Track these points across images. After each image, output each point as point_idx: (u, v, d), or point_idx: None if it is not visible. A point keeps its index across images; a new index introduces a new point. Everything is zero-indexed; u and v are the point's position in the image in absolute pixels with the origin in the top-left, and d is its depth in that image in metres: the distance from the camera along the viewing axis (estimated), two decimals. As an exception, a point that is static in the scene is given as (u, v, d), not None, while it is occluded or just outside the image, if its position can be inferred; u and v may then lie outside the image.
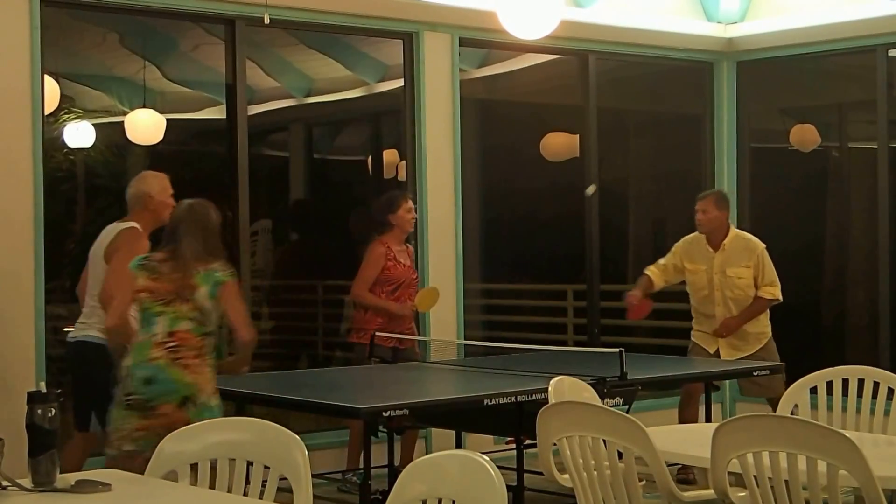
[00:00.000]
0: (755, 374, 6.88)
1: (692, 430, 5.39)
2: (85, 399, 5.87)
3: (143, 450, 4.72)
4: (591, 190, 7.93)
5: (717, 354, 7.46)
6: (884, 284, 8.51)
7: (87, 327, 5.88)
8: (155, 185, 6.00)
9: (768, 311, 7.50)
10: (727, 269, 7.42)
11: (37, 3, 6.47)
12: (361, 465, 5.87)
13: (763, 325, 7.51)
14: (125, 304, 5.20)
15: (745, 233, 7.70)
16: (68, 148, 8.28)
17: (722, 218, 7.48)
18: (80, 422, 5.88)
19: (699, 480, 6.39)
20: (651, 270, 7.64)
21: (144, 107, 8.43)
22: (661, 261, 7.67)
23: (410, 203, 7.34)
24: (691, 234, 7.60)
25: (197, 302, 5.07)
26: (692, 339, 7.65)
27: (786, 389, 5.21)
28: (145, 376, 4.98)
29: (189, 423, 3.98)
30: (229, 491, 3.31)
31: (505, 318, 9.95)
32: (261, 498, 3.23)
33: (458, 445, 7.10)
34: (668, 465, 4.17)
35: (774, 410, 5.65)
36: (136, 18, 7.40)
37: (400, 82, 8.01)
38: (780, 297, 7.46)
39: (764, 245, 7.47)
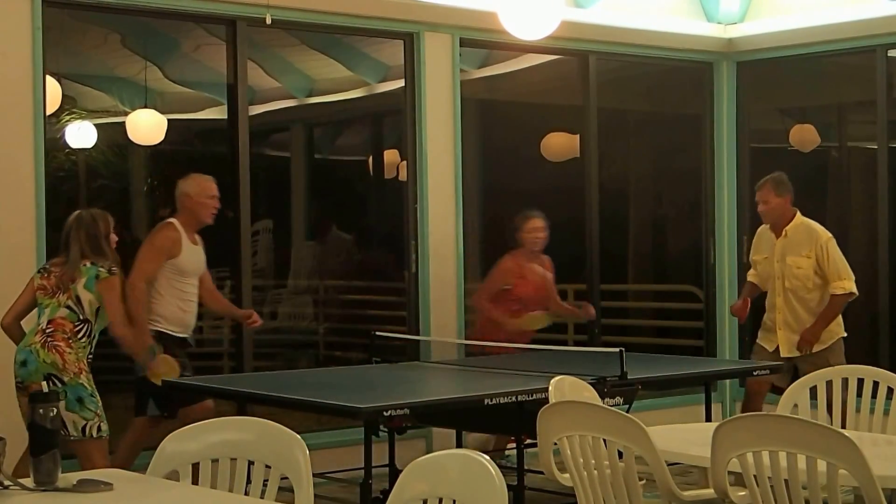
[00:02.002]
0: (755, 373, 6.87)
1: (692, 430, 5.40)
2: (142, 386, 6.28)
3: None
4: None
5: (776, 352, 7.13)
6: (883, 284, 8.51)
7: None
8: (194, 186, 6.50)
9: (841, 320, 7.12)
10: (787, 256, 7.10)
11: (38, 4, 6.48)
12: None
13: (831, 324, 7.09)
14: (19, 306, 5.91)
15: (812, 221, 7.21)
16: (70, 148, 8.29)
17: (784, 203, 7.12)
18: (138, 407, 6.33)
19: (699, 480, 6.40)
20: (750, 274, 7.45)
21: (146, 107, 8.44)
22: (752, 267, 7.46)
23: (535, 223, 7.55)
24: (762, 226, 7.37)
25: (75, 291, 5.73)
26: (757, 341, 7.37)
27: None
28: (21, 359, 5.71)
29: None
30: (230, 490, 3.32)
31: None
32: (262, 497, 3.24)
33: (459, 445, 7.11)
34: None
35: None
36: (137, 19, 7.41)
37: (401, 83, 8.02)
38: (855, 291, 7.05)
39: (830, 235, 7.10)
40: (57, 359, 5.65)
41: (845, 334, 7.17)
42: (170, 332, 6.38)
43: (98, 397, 5.73)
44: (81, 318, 5.74)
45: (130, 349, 5.94)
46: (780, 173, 7.22)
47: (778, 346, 7.15)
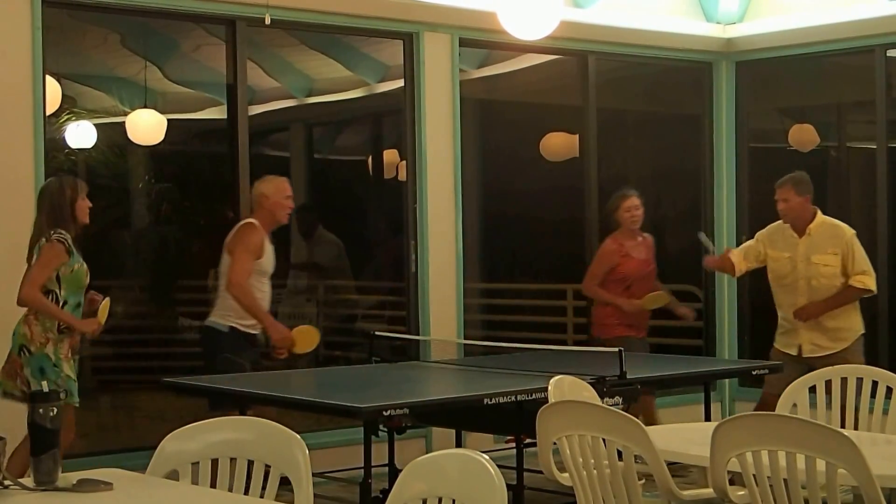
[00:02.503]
0: (755, 373, 6.87)
1: (692, 429, 5.40)
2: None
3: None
4: (706, 243, 7.82)
5: (799, 355, 6.97)
6: (883, 284, 8.49)
7: (213, 314, 6.63)
8: (270, 187, 6.69)
9: (857, 306, 7.05)
10: (812, 256, 6.96)
11: (38, 4, 6.48)
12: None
13: (851, 322, 7.02)
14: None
15: (833, 218, 7.13)
16: (70, 148, 8.29)
17: (805, 203, 7.00)
18: (211, 401, 6.25)
19: (698, 479, 6.40)
20: (734, 253, 7.36)
21: (145, 107, 8.44)
22: (743, 245, 7.41)
23: (632, 201, 7.72)
24: (776, 222, 7.20)
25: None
26: (774, 345, 7.19)
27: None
28: (12, 332, 5.83)
29: (22, 369, 5.65)
30: (230, 490, 3.33)
31: (505, 318, 9.96)
32: (261, 497, 3.25)
33: (459, 444, 7.11)
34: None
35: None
36: (137, 19, 7.41)
37: (400, 82, 8.02)
38: (873, 288, 6.97)
39: (854, 231, 7.02)
40: (26, 331, 5.75)
41: (863, 330, 7.09)
42: (241, 328, 6.55)
43: (63, 367, 5.74)
44: (46, 289, 5.76)
45: (47, 313, 5.83)
46: (801, 172, 7.12)
47: (801, 349, 7.01)
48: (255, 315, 6.47)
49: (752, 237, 7.57)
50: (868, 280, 6.93)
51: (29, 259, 5.84)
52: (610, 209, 7.85)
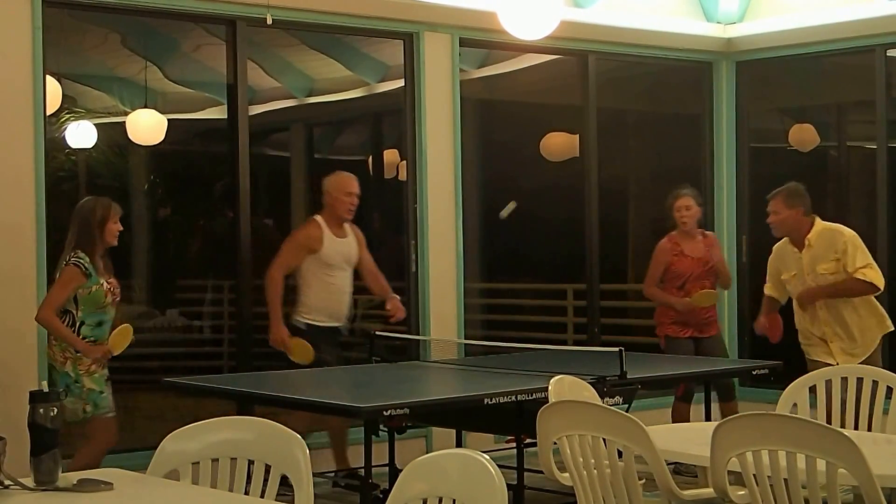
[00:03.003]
0: (755, 373, 6.87)
1: (692, 429, 5.40)
2: None
3: None
4: (506, 211, 7.83)
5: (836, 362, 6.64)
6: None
7: (293, 312, 6.89)
8: (334, 183, 6.95)
9: (875, 311, 6.79)
10: (817, 266, 6.73)
11: (38, 4, 6.49)
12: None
13: (873, 327, 6.78)
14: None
15: (833, 224, 6.87)
16: (70, 148, 8.29)
17: (796, 215, 6.74)
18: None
19: (698, 479, 6.39)
20: (768, 288, 7.08)
21: (146, 107, 8.44)
22: (768, 280, 7.11)
23: (682, 201, 7.67)
24: (778, 242, 6.97)
25: None
26: (807, 356, 6.89)
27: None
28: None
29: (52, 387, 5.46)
30: (230, 490, 3.33)
31: (505, 318, 9.96)
32: (262, 497, 3.24)
33: (459, 444, 7.11)
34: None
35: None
36: (137, 19, 7.41)
37: (400, 82, 8.03)
38: (879, 284, 6.64)
39: (853, 232, 6.75)
40: (50, 352, 5.98)
41: (893, 327, 6.87)
42: (317, 323, 6.82)
43: (83, 382, 5.88)
44: (62, 309, 5.91)
45: (58, 336, 5.95)
46: (796, 184, 6.90)
47: (833, 355, 6.78)
48: (269, 305, 6.72)
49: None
50: (871, 273, 6.62)
51: (54, 274, 6.02)
52: (666, 208, 7.83)
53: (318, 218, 6.93)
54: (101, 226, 5.94)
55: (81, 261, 5.86)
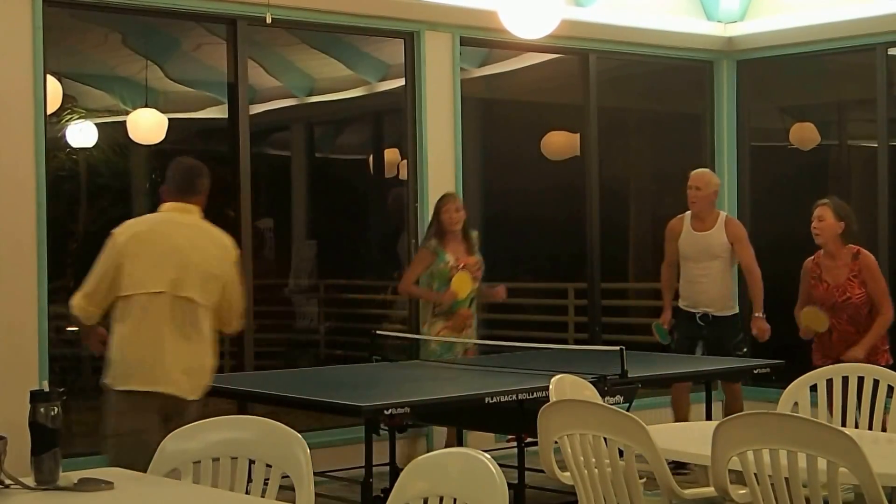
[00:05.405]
0: (755, 372, 6.87)
1: (692, 428, 5.40)
2: None
3: None
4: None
5: None
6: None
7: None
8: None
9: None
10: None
11: (39, 3, 6.49)
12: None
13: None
14: None
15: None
16: (71, 148, 8.29)
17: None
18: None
19: (698, 478, 6.39)
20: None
21: (146, 106, 8.43)
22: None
23: (818, 209, 6.79)
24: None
25: None
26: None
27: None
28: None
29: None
30: (231, 489, 3.33)
31: (506, 317, 9.95)
32: (263, 496, 3.25)
33: (460, 443, 7.11)
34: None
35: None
36: (138, 18, 7.41)
37: (401, 81, 8.03)
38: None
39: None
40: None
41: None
42: (680, 307, 7.72)
43: None
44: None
45: None
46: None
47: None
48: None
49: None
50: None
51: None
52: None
53: (686, 215, 7.62)
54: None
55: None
